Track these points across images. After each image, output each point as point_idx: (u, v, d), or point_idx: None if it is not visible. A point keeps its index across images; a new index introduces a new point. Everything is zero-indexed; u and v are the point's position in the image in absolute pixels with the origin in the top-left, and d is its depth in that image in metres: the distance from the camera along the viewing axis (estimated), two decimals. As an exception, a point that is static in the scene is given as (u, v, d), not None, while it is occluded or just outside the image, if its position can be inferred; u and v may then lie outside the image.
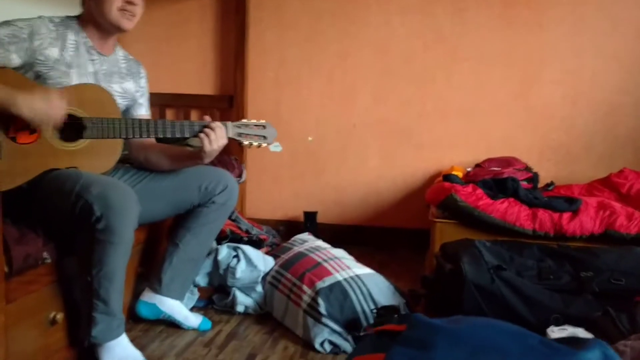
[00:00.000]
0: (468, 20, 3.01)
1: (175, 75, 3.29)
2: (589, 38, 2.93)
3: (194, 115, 3.29)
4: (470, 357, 1.13)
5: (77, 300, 1.74)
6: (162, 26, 3.29)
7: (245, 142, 1.92)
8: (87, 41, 1.86)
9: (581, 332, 1.70)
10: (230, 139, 1.90)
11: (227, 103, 3.22)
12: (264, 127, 1.95)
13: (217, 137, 1.84)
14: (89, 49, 1.86)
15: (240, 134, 1.92)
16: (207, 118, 1.89)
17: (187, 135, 1.86)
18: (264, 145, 1.94)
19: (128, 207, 1.64)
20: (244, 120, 1.95)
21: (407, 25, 3.08)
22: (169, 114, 3.26)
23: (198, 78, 3.30)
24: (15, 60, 1.69)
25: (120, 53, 2.00)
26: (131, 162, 2.04)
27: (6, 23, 1.71)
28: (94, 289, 1.66)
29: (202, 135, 1.84)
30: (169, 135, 1.85)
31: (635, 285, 1.91)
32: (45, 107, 1.58)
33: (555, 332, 1.71)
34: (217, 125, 1.86)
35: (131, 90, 2.00)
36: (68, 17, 1.86)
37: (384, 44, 3.11)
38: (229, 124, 1.90)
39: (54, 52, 1.77)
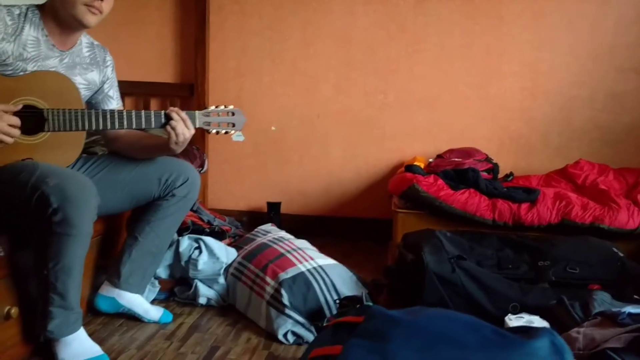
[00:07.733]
0: (430, 11, 3.03)
1: (134, 63, 3.20)
2: (546, 32, 2.98)
3: (153, 103, 3.22)
4: (425, 348, 1.15)
5: (32, 295, 1.69)
6: (120, 10, 3.17)
7: (213, 131, 1.87)
8: (48, 39, 1.76)
9: (537, 320, 1.74)
10: (197, 129, 1.85)
11: (188, 91, 3.16)
12: (232, 113, 1.90)
13: (184, 129, 1.79)
14: (50, 47, 1.77)
15: (208, 123, 1.87)
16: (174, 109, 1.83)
17: (153, 126, 1.80)
18: (232, 132, 1.90)
19: (86, 198, 1.60)
20: (212, 108, 1.89)
21: (370, 15, 3.07)
22: (128, 102, 3.17)
23: (158, 66, 3.22)
24: None
25: (84, 41, 1.90)
26: (91, 152, 1.98)
27: None
28: (51, 282, 1.61)
29: (168, 128, 1.79)
30: (134, 127, 1.81)
31: (589, 274, 1.98)
32: None
33: (513, 320, 1.76)
34: (184, 116, 1.81)
35: (96, 80, 1.92)
36: (30, 8, 1.74)
37: (346, 33, 3.10)
38: (197, 113, 1.85)
39: (8, 47, 1.67)
